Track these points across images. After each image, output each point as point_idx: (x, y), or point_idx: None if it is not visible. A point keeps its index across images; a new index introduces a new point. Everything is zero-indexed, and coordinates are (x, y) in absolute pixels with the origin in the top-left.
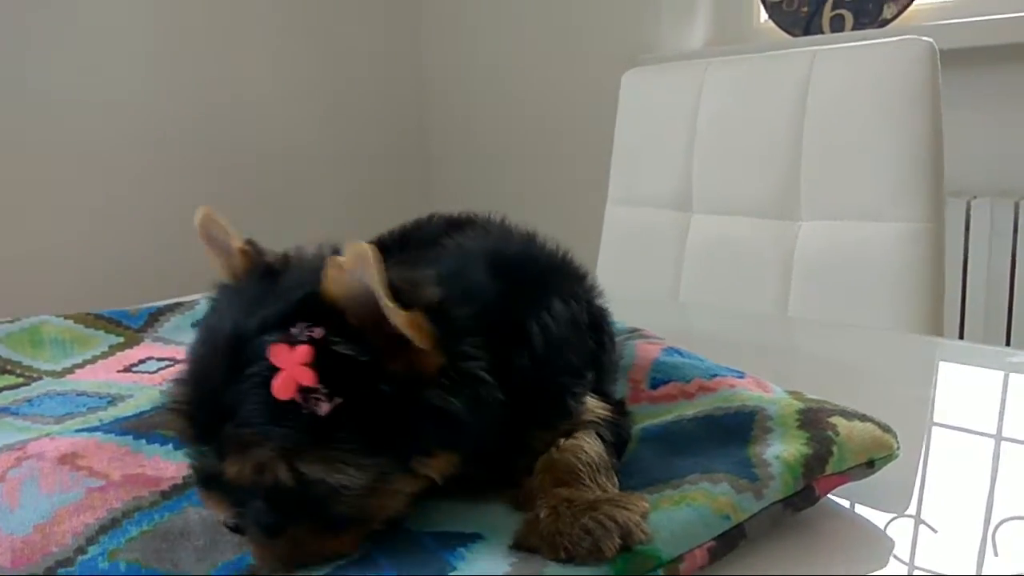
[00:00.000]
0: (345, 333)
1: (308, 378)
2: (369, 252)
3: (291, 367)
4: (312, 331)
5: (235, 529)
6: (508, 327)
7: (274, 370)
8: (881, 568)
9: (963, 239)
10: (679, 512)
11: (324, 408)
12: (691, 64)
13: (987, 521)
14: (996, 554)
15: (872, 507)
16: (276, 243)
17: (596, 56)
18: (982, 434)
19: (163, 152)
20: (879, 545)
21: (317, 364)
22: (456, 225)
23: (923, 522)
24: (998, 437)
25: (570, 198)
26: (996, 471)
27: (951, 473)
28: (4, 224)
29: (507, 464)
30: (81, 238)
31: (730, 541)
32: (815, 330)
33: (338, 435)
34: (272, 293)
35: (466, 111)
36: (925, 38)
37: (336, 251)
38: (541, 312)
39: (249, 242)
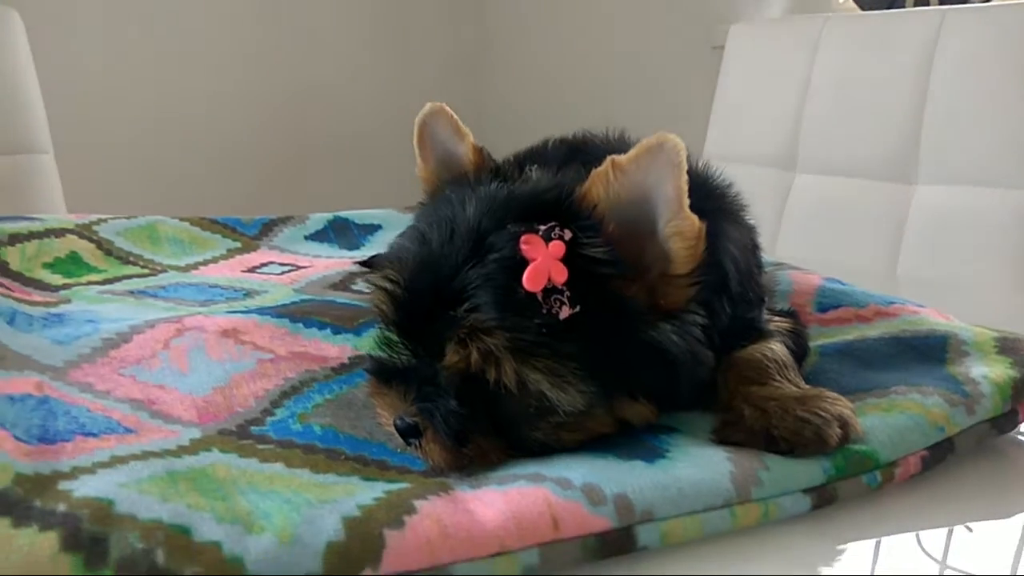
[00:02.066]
0: (596, 240)
1: (561, 274)
2: (679, 145)
3: (546, 259)
4: (563, 231)
5: (406, 431)
6: (710, 269)
7: (520, 262)
8: None
9: None
10: (892, 418)
11: (564, 312)
12: (807, 19)
13: None
14: None
15: None
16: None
17: (674, 23)
18: None
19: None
20: None
21: (567, 264)
22: (579, 149)
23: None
24: None
25: None
26: None
27: None
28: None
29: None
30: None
31: (940, 453)
32: (927, 289)
33: (566, 347)
34: (515, 192)
35: (542, 77)
36: None
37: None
38: (728, 244)
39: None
